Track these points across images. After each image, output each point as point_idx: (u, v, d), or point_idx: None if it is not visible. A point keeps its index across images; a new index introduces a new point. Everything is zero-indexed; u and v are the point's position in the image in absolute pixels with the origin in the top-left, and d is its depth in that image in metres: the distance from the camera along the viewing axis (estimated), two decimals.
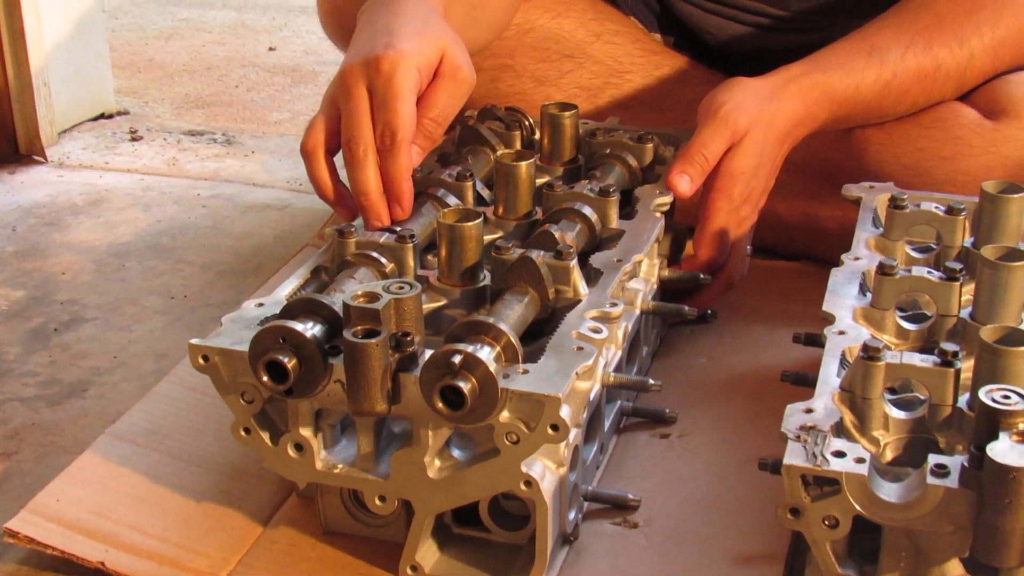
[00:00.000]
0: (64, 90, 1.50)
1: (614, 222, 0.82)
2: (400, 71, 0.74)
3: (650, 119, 1.06)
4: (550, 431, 0.62)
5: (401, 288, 0.63)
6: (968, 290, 0.71)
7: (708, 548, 0.69)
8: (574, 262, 0.72)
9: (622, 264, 0.76)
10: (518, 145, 0.94)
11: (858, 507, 0.56)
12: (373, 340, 0.61)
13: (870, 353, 0.62)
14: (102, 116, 1.58)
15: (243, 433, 0.68)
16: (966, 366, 0.63)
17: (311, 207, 1.31)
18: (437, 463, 0.66)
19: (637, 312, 0.80)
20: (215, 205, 1.32)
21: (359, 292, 0.63)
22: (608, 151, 0.91)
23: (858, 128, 0.95)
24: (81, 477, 0.75)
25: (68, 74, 1.50)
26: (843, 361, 0.66)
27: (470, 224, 0.72)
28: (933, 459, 0.56)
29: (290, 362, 0.63)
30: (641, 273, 0.83)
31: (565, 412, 0.62)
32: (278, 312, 0.68)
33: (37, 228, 1.25)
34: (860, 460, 0.56)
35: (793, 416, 0.60)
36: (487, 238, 0.80)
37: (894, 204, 0.78)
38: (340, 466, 0.68)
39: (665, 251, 0.89)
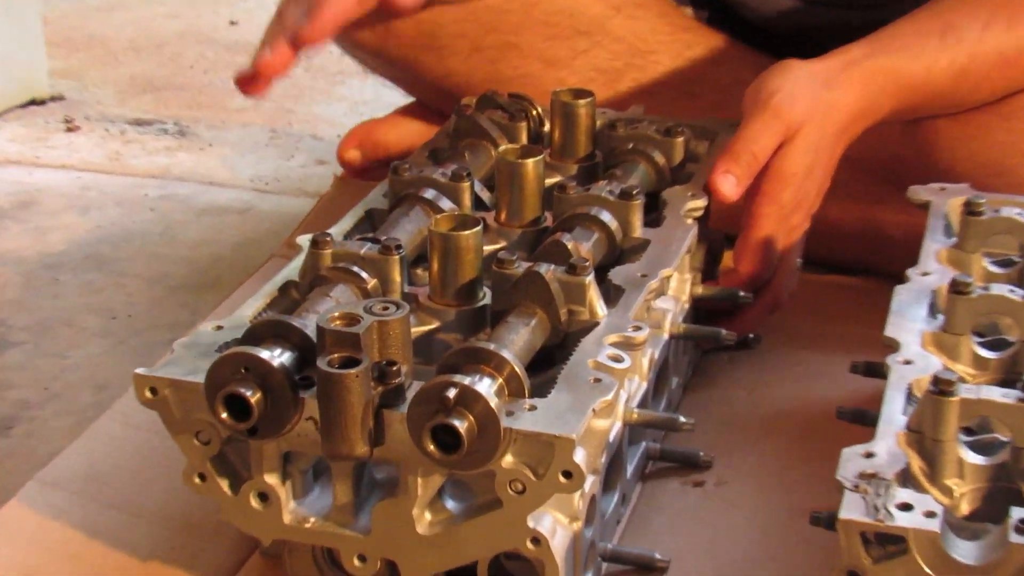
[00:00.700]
0: None
1: (638, 230, 0.82)
2: None
3: (680, 108, 1.07)
4: (562, 479, 0.62)
5: (386, 309, 0.64)
6: None
7: None
8: (590, 278, 0.72)
9: (647, 280, 0.76)
10: (524, 139, 0.95)
11: (928, 570, 0.56)
12: (352, 370, 0.61)
13: (942, 387, 0.62)
14: (32, 102, 1.59)
15: (197, 480, 0.69)
16: None
17: (278, 210, 1.32)
18: (428, 516, 0.66)
19: (665, 337, 0.81)
20: (165, 208, 1.33)
21: (336, 313, 0.63)
22: (630, 146, 0.91)
23: (928, 120, 0.96)
24: (5, 531, 0.75)
25: None
26: (910, 396, 0.66)
27: (467, 233, 0.73)
28: (1017, 513, 0.56)
29: (254, 396, 0.63)
30: (670, 291, 0.84)
31: (580, 456, 0.62)
32: (240, 336, 0.68)
33: None
34: (930, 514, 0.56)
35: (851, 461, 0.60)
36: (487, 249, 0.81)
37: (969, 209, 0.78)
38: (313, 519, 0.68)
39: (699, 264, 0.90)
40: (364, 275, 0.74)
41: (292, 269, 0.78)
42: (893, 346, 0.69)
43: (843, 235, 1.03)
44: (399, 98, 1.24)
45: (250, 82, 0.84)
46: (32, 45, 1.58)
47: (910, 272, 0.75)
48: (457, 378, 0.61)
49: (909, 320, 0.71)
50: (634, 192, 0.82)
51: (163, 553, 0.74)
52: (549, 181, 0.90)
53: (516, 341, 0.69)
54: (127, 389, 0.87)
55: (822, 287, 1.03)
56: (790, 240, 0.91)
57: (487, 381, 0.63)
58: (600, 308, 0.72)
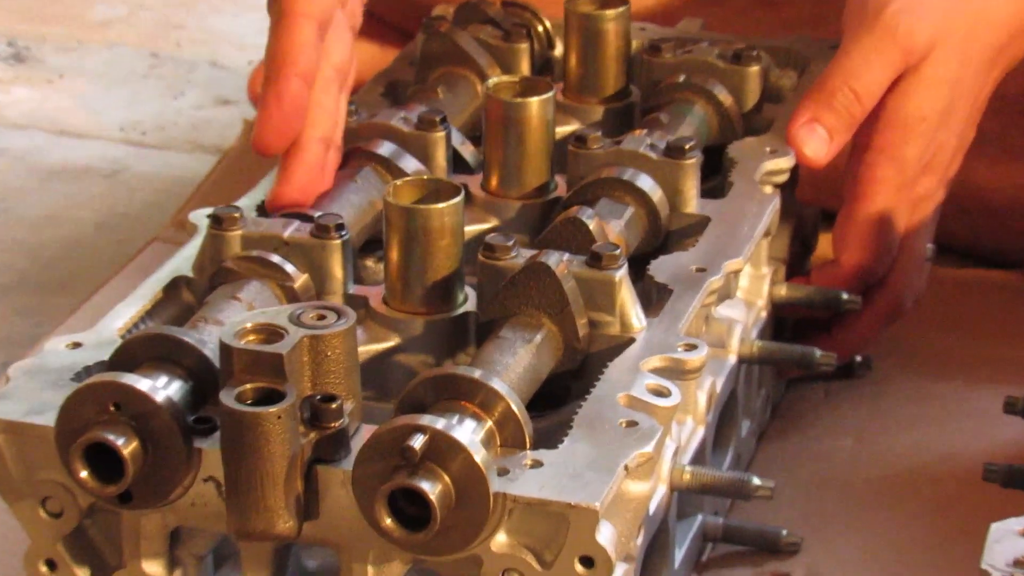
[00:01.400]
0: None
1: (692, 202, 0.83)
2: None
3: (755, 22, 1.07)
4: (580, 568, 0.62)
5: (322, 318, 0.64)
6: None
7: None
8: (621, 273, 0.73)
9: (706, 276, 0.77)
10: (525, 68, 0.95)
11: None
12: (272, 408, 0.61)
13: None
14: None
15: (44, 569, 0.69)
16: None
17: (161, 172, 1.33)
18: None
19: (732, 360, 0.81)
20: None
21: (248, 325, 0.64)
22: (682, 78, 0.92)
23: None
24: None
25: None
26: None
27: (441, 207, 0.74)
28: None
29: (128, 446, 0.64)
30: (739, 291, 0.84)
31: (606, 535, 0.62)
32: (107, 359, 0.68)
33: None
34: None
35: (1003, 542, 0.60)
36: (470, 230, 0.81)
37: None
38: None
39: (782, 253, 0.90)
40: (290, 268, 0.75)
41: (183, 259, 0.78)
42: None
43: (995, 210, 1.04)
44: None
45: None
46: None
47: None
48: (426, 420, 0.62)
49: None
50: (687, 147, 0.82)
51: None
52: (562, 131, 0.91)
53: (513, 366, 0.69)
54: None
55: (963, 287, 1.03)
56: (916, 218, 0.91)
57: (470, 425, 0.63)
58: (636, 317, 0.73)
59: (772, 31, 1.03)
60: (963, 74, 0.89)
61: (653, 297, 0.76)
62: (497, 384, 0.64)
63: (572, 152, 0.84)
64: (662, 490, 0.72)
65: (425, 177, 0.80)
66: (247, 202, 0.83)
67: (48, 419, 0.66)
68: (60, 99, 1.46)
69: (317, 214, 0.78)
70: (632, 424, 0.66)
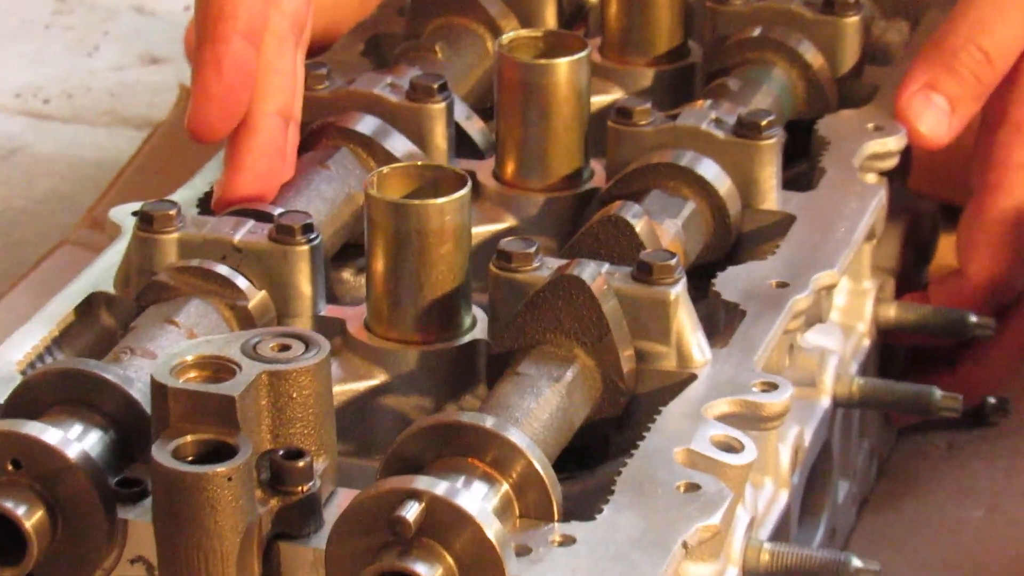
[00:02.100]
0: None
1: (771, 195, 0.83)
2: None
3: None
4: None
5: (285, 348, 0.65)
6: None
7: None
8: (679, 288, 0.73)
9: (790, 293, 0.78)
10: (550, 18, 0.96)
11: None
12: (221, 468, 0.62)
13: None
14: None
15: None
16: None
17: (71, 153, 1.33)
18: None
19: (825, 403, 0.82)
20: None
21: (189, 358, 0.64)
22: (757, 32, 0.93)
23: None
24: None
25: None
26: None
27: (440, 202, 0.74)
28: None
29: (30, 515, 0.64)
30: (834, 313, 0.85)
31: None
32: (2, 402, 0.69)
33: None
34: None
35: None
36: (480, 232, 0.82)
37: None
38: None
39: (891, 262, 0.91)
40: (242, 282, 0.75)
41: (101, 270, 0.79)
42: None
43: None
44: None
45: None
46: None
47: None
48: (423, 484, 0.62)
49: None
50: (764, 122, 0.83)
51: None
52: (599, 100, 0.92)
53: (536, 412, 0.70)
54: None
55: None
56: None
57: (479, 489, 0.64)
58: (698, 347, 0.74)
59: None
60: None
61: (720, 321, 0.77)
62: (515, 436, 0.65)
63: (613, 129, 0.85)
64: (733, 574, 0.72)
65: (420, 163, 0.80)
66: (186, 195, 0.84)
67: None
68: None
69: (278, 211, 0.78)
70: (693, 488, 0.66)
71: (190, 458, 0.62)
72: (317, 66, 0.89)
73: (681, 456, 0.68)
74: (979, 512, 0.91)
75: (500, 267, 0.74)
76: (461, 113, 0.88)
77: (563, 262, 0.74)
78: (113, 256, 0.79)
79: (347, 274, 0.84)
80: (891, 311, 0.89)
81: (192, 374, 0.64)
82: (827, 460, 0.84)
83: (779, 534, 0.77)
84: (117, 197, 1.10)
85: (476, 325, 0.76)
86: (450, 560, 0.62)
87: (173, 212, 0.77)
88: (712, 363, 0.73)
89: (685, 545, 0.64)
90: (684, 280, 0.74)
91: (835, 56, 0.93)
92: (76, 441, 0.65)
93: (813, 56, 0.92)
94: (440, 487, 0.62)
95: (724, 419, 0.70)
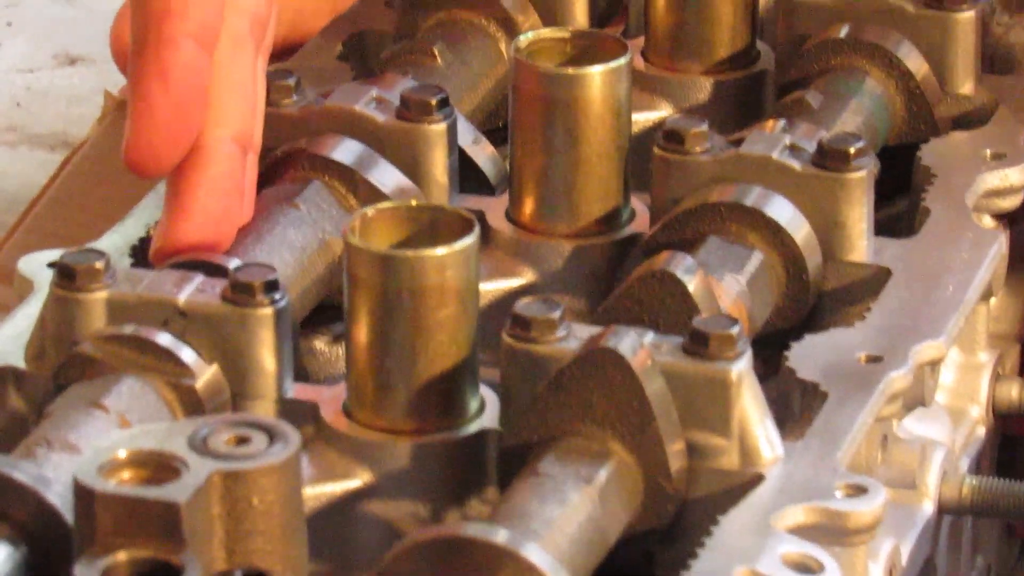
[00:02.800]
0: None
1: (861, 244, 0.85)
2: None
3: None
4: None
5: (243, 441, 0.66)
6: None
7: None
8: (742, 365, 0.74)
9: (884, 370, 0.78)
10: (580, 14, 0.98)
11: None
12: None
13: None
14: None
15: None
16: None
17: None
18: None
19: (928, 510, 0.82)
20: None
21: (122, 454, 0.65)
22: (844, 33, 0.94)
23: None
24: None
25: None
26: None
27: (440, 253, 0.75)
28: None
29: None
30: (941, 394, 0.86)
31: None
32: None
33: None
34: None
35: None
36: (489, 290, 0.84)
37: None
38: None
39: (1015, 327, 0.92)
40: (188, 355, 0.76)
41: (8, 338, 0.80)
42: None
43: None
44: None
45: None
46: None
47: None
48: None
49: None
50: (853, 150, 0.84)
51: None
52: (642, 119, 0.93)
53: (560, 522, 0.70)
54: None
55: None
56: None
57: None
58: (766, 440, 0.75)
59: None
60: None
61: (795, 405, 0.78)
62: (534, 554, 0.65)
63: (660, 157, 0.85)
64: None
65: (414, 202, 0.81)
66: (116, 240, 0.86)
67: None
68: None
69: (233, 263, 0.79)
70: None
71: None
72: (282, 75, 0.90)
73: None
74: None
75: (515, 336, 0.75)
76: (466, 136, 0.90)
77: (596, 330, 0.75)
78: (23, 320, 0.80)
79: (321, 343, 0.86)
80: (1012, 391, 0.90)
81: (126, 474, 0.65)
82: None
83: None
84: (25, 240, 1.12)
85: (485, 410, 0.77)
86: None
87: (100, 264, 0.78)
88: (784, 460, 0.74)
89: None
90: (749, 354, 0.74)
91: (944, 62, 0.94)
92: None
93: (916, 62, 0.93)
94: None
95: (799, 531, 0.71)
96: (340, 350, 0.81)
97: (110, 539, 0.64)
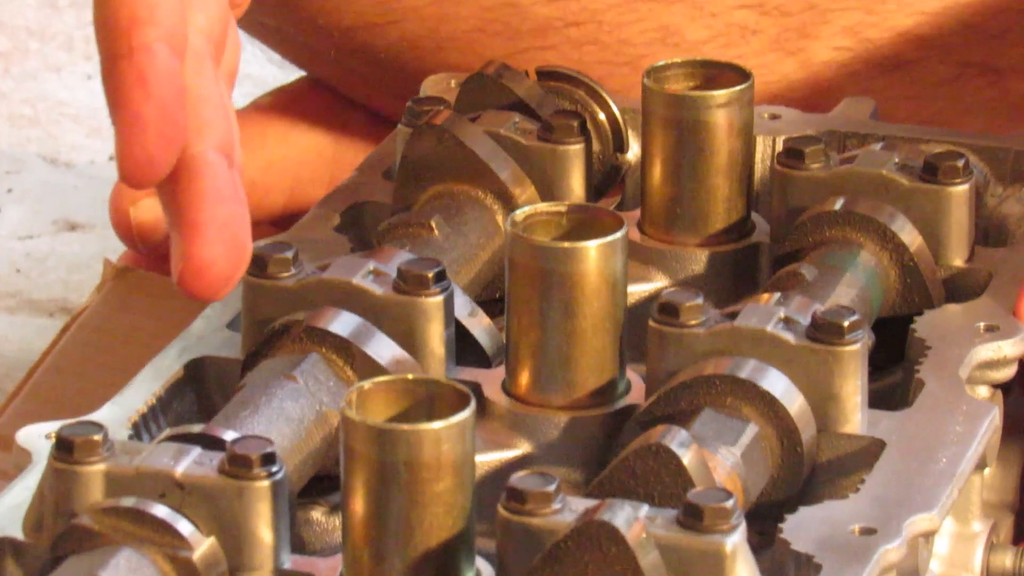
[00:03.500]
0: None
1: (855, 417, 0.85)
2: None
3: (959, 101, 1.11)
4: None
5: None
6: None
7: None
8: (737, 537, 0.73)
9: (877, 542, 0.78)
10: (577, 186, 0.98)
11: None
12: None
13: None
14: None
15: None
16: None
17: None
18: None
19: None
20: None
21: None
22: (839, 205, 0.94)
23: None
24: None
25: None
26: None
27: (437, 427, 0.75)
28: None
29: None
30: (935, 563, 0.85)
31: None
32: None
33: None
34: None
35: None
36: (485, 462, 0.84)
37: None
38: None
39: (1008, 496, 0.92)
40: (185, 527, 0.76)
41: (7, 509, 0.80)
42: None
43: None
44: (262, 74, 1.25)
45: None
46: None
47: None
48: None
49: None
50: (847, 323, 0.84)
51: None
52: (637, 290, 0.94)
53: None
54: None
55: None
56: None
57: None
58: None
59: (991, 119, 1.06)
60: None
61: None
62: None
63: (656, 330, 0.85)
64: None
65: (411, 376, 0.81)
66: (115, 412, 0.86)
67: None
68: None
69: (230, 436, 0.80)
70: None
71: None
72: (280, 247, 0.90)
73: None
74: None
75: (511, 509, 0.74)
76: (463, 309, 0.90)
77: (591, 503, 0.74)
78: (21, 492, 0.80)
79: (318, 514, 0.85)
80: (1007, 560, 0.89)
81: None
82: None
83: None
84: (24, 408, 1.12)
85: None
86: None
87: (98, 437, 0.77)
88: None
89: None
90: (743, 527, 0.74)
91: (938, 235, 0.94)
92: None
93: (910, 236, 0.93)
94: None
95: None
96: (337, 520, 0.81)
97: None
